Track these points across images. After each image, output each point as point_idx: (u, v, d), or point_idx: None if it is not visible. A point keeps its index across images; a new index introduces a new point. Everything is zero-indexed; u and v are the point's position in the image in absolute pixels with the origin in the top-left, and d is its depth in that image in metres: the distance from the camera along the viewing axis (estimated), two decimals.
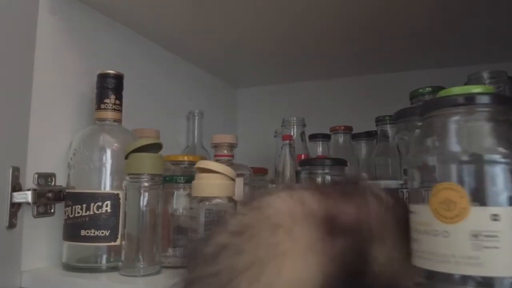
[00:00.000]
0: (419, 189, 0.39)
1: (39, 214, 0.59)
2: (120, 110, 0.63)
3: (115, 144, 0.61)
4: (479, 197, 0.34)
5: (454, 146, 0.37)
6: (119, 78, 0.63)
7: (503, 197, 0.34)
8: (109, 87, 0.62)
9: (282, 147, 0.79)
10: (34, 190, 0.57)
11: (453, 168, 0.36)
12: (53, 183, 0.61)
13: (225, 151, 0.69)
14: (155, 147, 0.59)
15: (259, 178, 0.85)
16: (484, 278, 0.33)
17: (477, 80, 0.56)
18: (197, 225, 0.50)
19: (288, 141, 0.78)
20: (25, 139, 0.58)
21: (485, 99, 0.36)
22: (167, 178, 0.61)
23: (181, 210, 0.63)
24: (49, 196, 0.60)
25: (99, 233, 0.57)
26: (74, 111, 0.67)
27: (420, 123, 0.55)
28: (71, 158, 0.61)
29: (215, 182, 0.51)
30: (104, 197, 0.58)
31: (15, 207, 0.55)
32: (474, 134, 0.37)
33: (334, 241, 0.35)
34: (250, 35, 0.85)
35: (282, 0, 0.69)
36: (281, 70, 1.09)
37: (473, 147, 0.36)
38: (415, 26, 0.79)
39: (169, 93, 0.94)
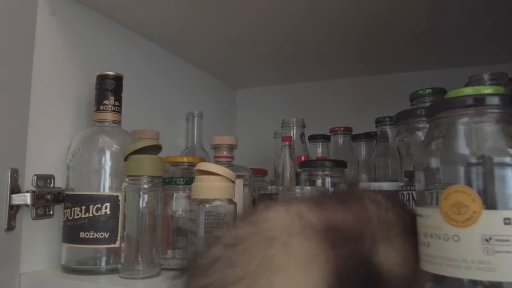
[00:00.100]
0: (426, 192, 0.39)
1: (38, 216, 0.59)
2: (119, 112, 0.63)
3: (115, 146, 0.61)
4: (489, 200, 0.34)
5: (463, 148, 0.37)
6: (118, 79, 0.63)
7: None
8: (108, 88, 0.62)
9: (281, 148, 0.79)
10: (33, 192, 0.57)
11: (462, 170, 0.35)
12: (52, 185, 0.61)
13: (225, 153, 0.69)
14: (154, 149, 0.59)
15: (259, 179, 0.85)
16: (495, 283, 0.33)
17: (477, 82, 0.56)
18: (197, 227, 0.50)
19: (287, 142, 0.78)
20: (24, 140, 0.58)
21: (495, 100, 0.35)
22: (167, 180, 0.61)
23: (180, 212, 0.62)
24: (48, 198, 0.59)
25: (98, 235, 0.57)
26: (73, 113, 0.66)
27: (421, 125, 0.55)
28: (70, 160, 0.60)
29: (215, 184, 0.51)
30: (103, 199, 0.58)
31: (14, 209, 0.55)
32: (483, 135, 0.36)
33: (337, 251, 0.34)
34: (249, 36, 0.85)
35: (282, 1, 0.69)
36: (281, 71, 1.08)
37: (482, 149, 0.35)
38: (415, 27, 0.79)
39: (169, 94, 0.93)
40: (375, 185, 0.56)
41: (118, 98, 0.63)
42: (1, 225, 0.54)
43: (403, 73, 1.05)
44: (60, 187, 0.62)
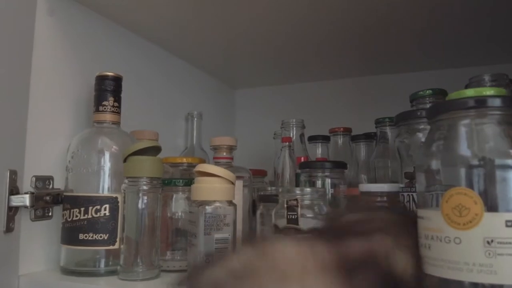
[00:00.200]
0: (427, 194, 0.39)
1: (36, 218, 0.59)
2: (118, 113, 0.63)
3: (114, 147, 0.60)
4: (490, 202, 0.34)
5: (464, 150, 0.36)
6: (117, 80, 0.63)
7: None
8: (108, 89, 0.61)
9: (281, 149, 0.79)
10: (31, 193, 0.56)
11: (463, 172, 0.35)
12: (51, 186, 0.61)
13: (224, 154, 0.68)
14: (154, 150, 0.58)
15: (258, 180, 0.84)
16: (497, 286, 0.33)
17: (478, 83, 0.56)
18: (197, 229, 0.50)
19: (287, 143, 0.78)
20: (23, 141, 0.58)
21: (496, 102, 0.35)
22: (166, 181, 0.60)
23: (180, 213, 0.62)
24: (47, 199, 0.59)
25: (97, 236, 0.56)
26: (72, 113, 0.66)
27: (421, 126, 0.55)
28: (69, 161, 0.60)
29: (214, 186, 0.51)
30: (102, 200, 0.57)
31: (13, 210, 0.55)
32: (485, 137, 0.36)
33: (356, 278, 0.33)
34: (249, 36, 0.84)
35: (281, 1, 0.69)
36: (280, 71, 1.08)
37: (484, 151, 0.35)
38: (415, 27, 0.79)
39: (168, 94, 0.93)
40: (375, 186, 0.56)
41: (118, 99, 0.63)
42: None
43: (403, 73, 1.05)
44: (59, 188, 0.61)
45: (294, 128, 0.84)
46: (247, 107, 1.23)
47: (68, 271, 0.57)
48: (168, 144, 0.83)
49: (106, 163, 0.59)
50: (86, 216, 0.57)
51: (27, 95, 0.59)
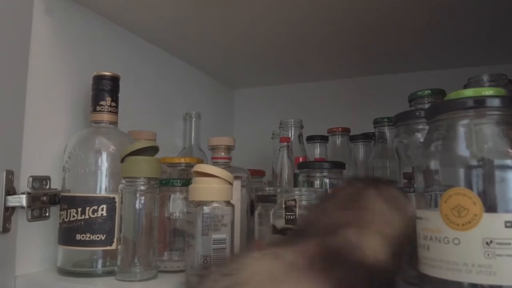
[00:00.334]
0: (426, 194, 0.38)
1: (33, 218, 0.58)
2: (116, 112, 0.62)
3: (111, 147, 0.60)
4: (489, 203, 0.34)
5: (463, 150, 0.36)
6: (115, 79, 0.62)
7: None
8: (105, 89, 0.61)
9: (279, 149, 0.79)
10: (28, 193, 0.56)
11: (462, 173, 0.35)
12: (48, 186, 0.60)
13: (222, 154, 0.68)
14: (151, 150, 0.58)
15: (257, 180, 0.84)
16: (496, 287, 0.32)
17: (477, 83, 0.56)
18: (194, 229, 0.50)
19: (286, 143, 0.78)
20: (19, 141, 0.57)
21: (495, 102, 0.35)
22: (164, 182, 0.60)
23: (177, 214, 0.62)
24: (44, 199, 0.59)
25: (94, 237, 0.56)
26: (69, 113, 0.66)
27: (420, 126, 0.55)
28: (66, 161, 0.60)
29: (212, 186, 0.51)
30: (99, 201, 0.57)
31: (9, 211, 0.55)
32: (483, 137, 0.36)
33: (327, 275, 0.32)
34: (248, 36, 0.84)
35: (281, 1, 0.69)
36: (280, 71, 1.08)
37: (483, 151, 0.35)
38: (415, 28, 0.79)
39: (166, 94, 0.93)
40: None
41: (115, 99, 0.62)
42: None
43: (402, 73, 1.05)
44: (56, 189, 0.61)
45: (293, 128, 0.83)
46: (245, 107, 1.23)
47: (65, 272, 0.57)
48: (166, 144, 0.82)
49: (104, 163, 0.59)
50: (83, 217, 0.56)
51: (24, 95, 0.58)
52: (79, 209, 0.57)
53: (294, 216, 0.55)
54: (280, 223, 0.56)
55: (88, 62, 0.70)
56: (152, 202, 0.56)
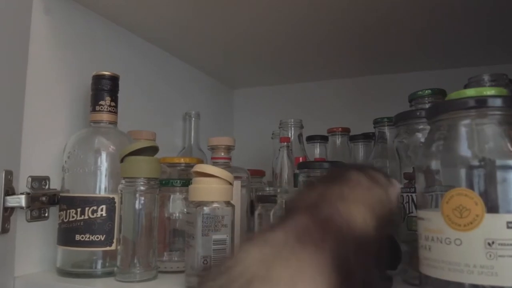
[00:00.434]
0: (427, 194, 0.38)
1: (32, 219, 0.58)
2: (115, 112, 0.62)
3: (111, 147, 0.60)
4: (491, 203, 0.34)
5: (465, 150, 0.36)
6: (114, 79, 0.62)
7: None
8: (104, 89, 0.61)
9: (279, 149, 0.78)
10: (27, 194, 0.56)
11: (464, 173, 0.35)
12: (47, 186, 0.60)
13: (222, 154, 0.68)
14: (151, 150, 0.58)
15: (257, 180, 0.84)
16: None
17: (477, 83, 0.56)
18: (194, 230, 0.49)
19: (285, 143, 0.78)
20: (18, 141, 0.57)
21: (497, 102, 0.35)
22: (163, 182, 0.60)
23: (177, 214, 0.62)
24: (43, 200, 0.59)
25: (94, 237, 0.56)
26: (68, 113, 0.66)
27: (420, 126, 0.54)
28: (65, 161, 0.60)
29: (212, 187, 0.50)
30: (99, 201, 0.57)
31: (8, 211, 0.54)
32: (485, 138, 0.36)
33: (320, 245, 0.33)
34: (248, 36, 0.84)
35: (281, 1, 0.68)
36: (279, 71, 1.08)
37: (484, 151, 0.35)
38: (415, 28, 0.78)
39: (166, 94, 0.93)
40: None
41: (114, 99, 0.62)
42: None
43: (402, 73, 1.04)
44: (55, 189, 0.61)
45: (292, 128, 0.83)
46: (245, 107, 1.23)
47: (64, 272, 0.57)
48: (165, 144, 0.82)
49: (103, 163, 0.59)
50: (82, 217, 0.56)
51: (22, 94, 0.58)
52: (79, 210, 0.56)
53: None
54: None
55: (88, 62, 0.69)
56: (152, 203, 0.56)
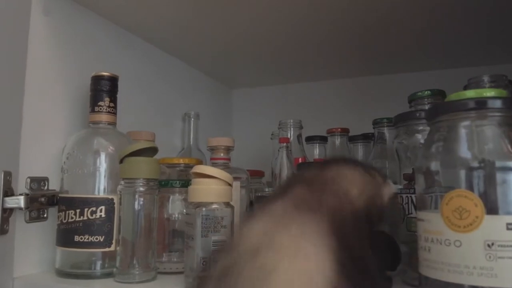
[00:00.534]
0: (426, 195, 0.38)
1: (31, 219, 0.58)
2: (114, 113, 0.62)
3: (110, 148, 0.60)
4: (490, 205, 0.34)
5: (464, 151, 0.36)
6: (113, 80, 0.62)
7: None
8: (104, 90, 0.61)
9: (279, 150, 0.78)
10: (26, 194, 0.56)
11: (463, 174, 0.35)
12: (46, 187, 0.60)
13: (222, 154, 0.68)
14: (150, 151, 0.58)
15: (256, 181, 0.84)
16: None
17: (477, 84, 0.55)
18: (194, 231, 0.49)
19: (285, 143, 0.78)
20: (17, 142, 0.57)
21: (497, 103, 0.35)
22: (163, 182, 0.60)
23: (176, 215, 0.62)
24: (42, 200, 0.59)
25: (93, 238, 0.56)
26: (68, 114, 0.66)
27: (420, 127, 0.54)
28: (64, 162, 0.60)
29: (211, 188, 0.50)
30: (98, 202, 0.57)
31: (7, 212, 0.54)
32: (485, 139, 0.36)
33: (317, 211, 0.34)
34: (248, 36, 0.84)
35: (281, 1, 0.68)
36: (278, 71, 1.08)
37: (484, 153, 0.35)
38: (415, 28, 0.78)
39: (165, 94, 0.93)
40: None
41: (113, 99, 0.62)
42: None
43: (402, 73, 1.04)
44: (54, 190, 0.61)
45: (292, 129, 0.83)
46: (244, 107, 1.23)
47: (63, 274, 0.57)
48: (165, 144, 0.82)
49: (102, 164, 0.59)
50: (81, 218, 0.56)
51: (21, 95, 0.58)
52: (78, 210, 0.56)
53: None
54: None
55: (87, 62, 0.69)
56: (151, 203, 0.56)
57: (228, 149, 0.68)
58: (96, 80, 0.61)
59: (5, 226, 0.54)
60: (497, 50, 0.88)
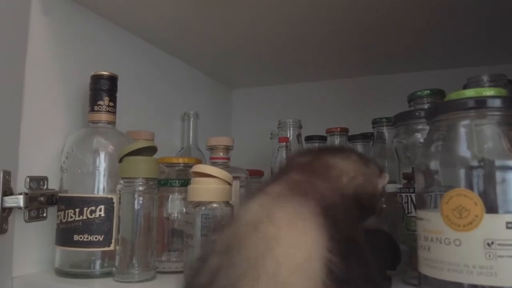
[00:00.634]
0: (426, 195, 0.38)
1: (31, 219, 0.58)
2: (114, 112, 0.62)
3: (109, 147, 0.60)
4: (490, 204, 0.33)
5: (464, 150, 0.36)
6: (113, 79, 0.62)
7: None
8: (103, 89, 0.61)
9: (278, 149, 0.78)
10: (25, 194, 0.56)
11: (463, 173, 0.35)
12: (45, 186, 0.60)
13: (221, 154, 0.68)
14: (149, 150, 0.58)
15: (255, 180, 0.84)
16: None
17: (476, 84, 0.55)
18: (193, 230, 0.49)
19: (284, 143, 0.78)
20: (16, 141, 0.57)
21: (497, 103, 0.35)
22: (162, 182, 0.60)
23: (176, 214, 0.62)
24: (41, 200, 0.59)
25: (92, 238, 0.56)
26: (67, 113, 0.66)
27: (419, 127, 0.54)
28: (63, 161, 0.59)
29: (211, 187, 0.50)
30: (97, 201, 0.57)
31: (6, 211, 0.54)
32: (484, 138, 0.36)
33: (316, 199, 0.35)
34: (248, 36, 0.84)
35: (281, 1, 0.68)
36: (277, 71, 1.08)
37: (483, 152, 0.35)
38: (415, 28, 0.78)
39: (164, 94, 0.93)
40: None
41: (113, 99, 0.62)
42: None
43: (402, 73, 1.04)
44: (53, 189, 0.61)
45: (291, 128, 0.83)
46: (244, 107, 1.23)
47: (62, 273, 0.57)
48: (164, 144, 0.82)
49: (101, 163, 0.59)
50: (81, 217, 0.56)
51: (21, 95, 0.58)
52: (77, 210, 0.56)
53: None
54: None
55: (87, 62, 0.69)
56: (150, 203, 0.56)
57: (228, 149, 0.68)
58: (96, 79, 0.61)
59: (4, 226, 0.54)
60: (497, 50, 0.88)
